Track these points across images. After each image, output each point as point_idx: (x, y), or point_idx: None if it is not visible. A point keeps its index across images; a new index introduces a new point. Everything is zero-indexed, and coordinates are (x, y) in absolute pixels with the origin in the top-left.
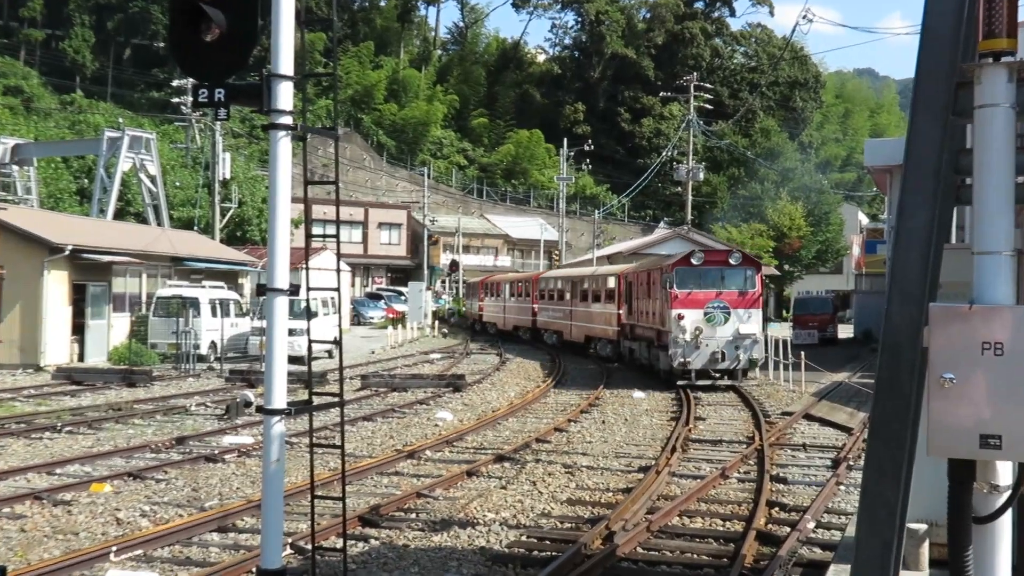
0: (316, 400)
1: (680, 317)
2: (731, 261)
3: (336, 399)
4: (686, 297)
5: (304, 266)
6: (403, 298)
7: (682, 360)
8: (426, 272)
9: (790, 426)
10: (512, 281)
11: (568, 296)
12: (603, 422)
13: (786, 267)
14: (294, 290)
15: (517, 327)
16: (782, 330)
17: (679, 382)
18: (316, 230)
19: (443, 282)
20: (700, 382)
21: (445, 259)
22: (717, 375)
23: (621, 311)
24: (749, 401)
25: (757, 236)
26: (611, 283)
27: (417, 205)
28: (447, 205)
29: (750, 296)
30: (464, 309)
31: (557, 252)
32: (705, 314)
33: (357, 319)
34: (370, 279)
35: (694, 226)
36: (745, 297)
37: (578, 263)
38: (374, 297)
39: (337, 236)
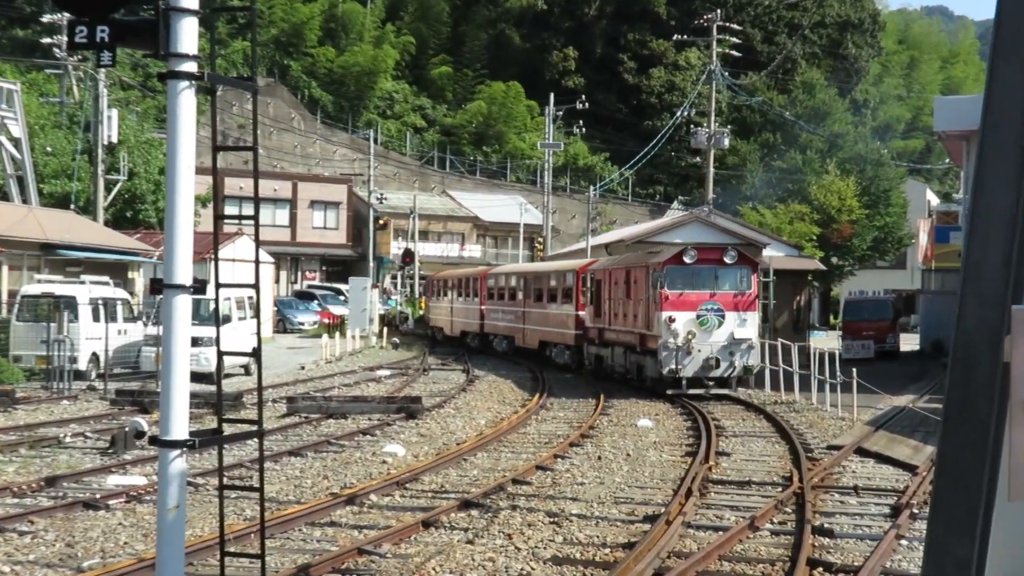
0: (228, 429)
1: (671, 320)
2: (726, 259)
3: (254, 428)
4: (677, 298)
5: (213, 256)
6: (342, 298)
7: (673, 367)
8: (372, 265)
9: (838, 463)
10: (459, 279)
11: (520, 295)
12: (599, 457)
13: (834, 260)
14: (199, 287)
15: (465, 332)
16: (828, 341)
17: (669, 391)
18: (229, 210)
19: (394, 278)
20: (692, 391)
21: (397, 248)
22: (710, 383)
23: (582, 312)
24: (786, 431)
25: (797, 220)
26: (569, 280)
27: (361, 178)
28: (399, 179)
29: (746, 298)
30: (421, 313)
31: (540, 239)
32: (698, 317)
33: (282, 325)
34: (300, 273)
35: (717, 207)
36: (741, 299)
37: (567, 253)
38: (305, 297)
39: (256, 218)
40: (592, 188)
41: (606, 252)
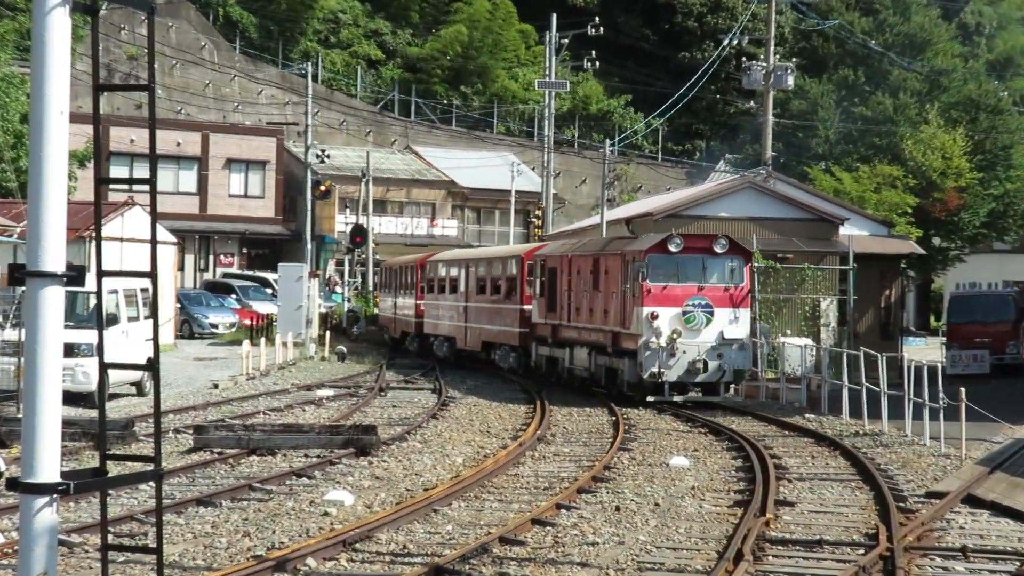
0: (114, 469)
1: (653, 316)
2: (716, 249)
3: (150, 467)
4: (661, 292)
5: (94, 235)
6: (269, 292)
7: (655, 370)
8: (310, 247)
9: (940, 516)
10: (398, 268)
11: (462, 288)
12: (617, 508)
13: (936, 241)
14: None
15: (405, 333)
16: (928, 350)
17: (650, 398)
18: (116, 172)
19: (340, 264)
20: (677, 398)
21: (344, 224)
22: (696, 389)
23: (529, 306)
24: (870, 473)
25: (886, 187)
26: (512, 268)
27: (295, 129)
28: (348, 130)
29: (737, 292)
30: (377, 311)
31: (538, 213)
32: (684, 314)
33: (188, 327)
34: (212, 258)
35: (778, 169)
36: (731, 293)
37: (574, 232)
38: (219, 290)
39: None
40: (609, 143)
41: (627, 229)
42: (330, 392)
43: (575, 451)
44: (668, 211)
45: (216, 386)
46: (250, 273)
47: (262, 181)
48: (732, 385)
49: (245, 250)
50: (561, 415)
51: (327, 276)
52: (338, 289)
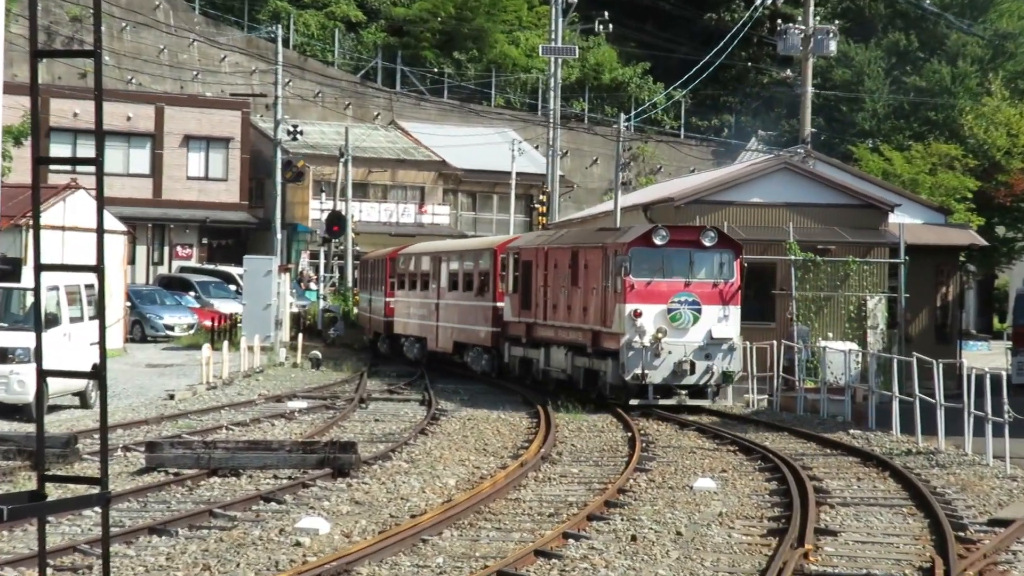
0: (55, 493)
1: (636, 314)
2: (704, 241)
3: (96, 490)
4: (645, 288)
5: (31, 222)
6: (233, 288)
7: (638, 372)
8: (279, 237)
9: (1006, 547)
10: (372, 262)
11: (433, 284)
12: (633, 538)
13: (1000, 231)
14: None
15: (377, 333)
16: (991, 356)
17: (632, 401)
18: (57, 150)
19: (315, 257)
20: (662, 401)
21: (320, 211)
22: (682, 392)
23: (502, 303)
24: (925, 497)
25: (943, 168)
26: (484, 262)
27: (263, 102)
28: (324, 103)
29: (727, 288)
30: (357, 311)
31: (543, 197)
32: (669, 311)
33: (140, 329)
34: (168, 250)
35: (818, 148)
36: (721, 290)
37: (583, 220)
38: (175, 286)
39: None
40: (624, 118)
41: (645, 217)
42: (303, 404)
43: (585, 472)
44: (692, 196)
45: (171, 397)
46: (211, 267)
47: (225, 161)
48: (720, 389)
49: (205, 240)
50: (569, 430)
51: (300, 271)
52: (312, 286)
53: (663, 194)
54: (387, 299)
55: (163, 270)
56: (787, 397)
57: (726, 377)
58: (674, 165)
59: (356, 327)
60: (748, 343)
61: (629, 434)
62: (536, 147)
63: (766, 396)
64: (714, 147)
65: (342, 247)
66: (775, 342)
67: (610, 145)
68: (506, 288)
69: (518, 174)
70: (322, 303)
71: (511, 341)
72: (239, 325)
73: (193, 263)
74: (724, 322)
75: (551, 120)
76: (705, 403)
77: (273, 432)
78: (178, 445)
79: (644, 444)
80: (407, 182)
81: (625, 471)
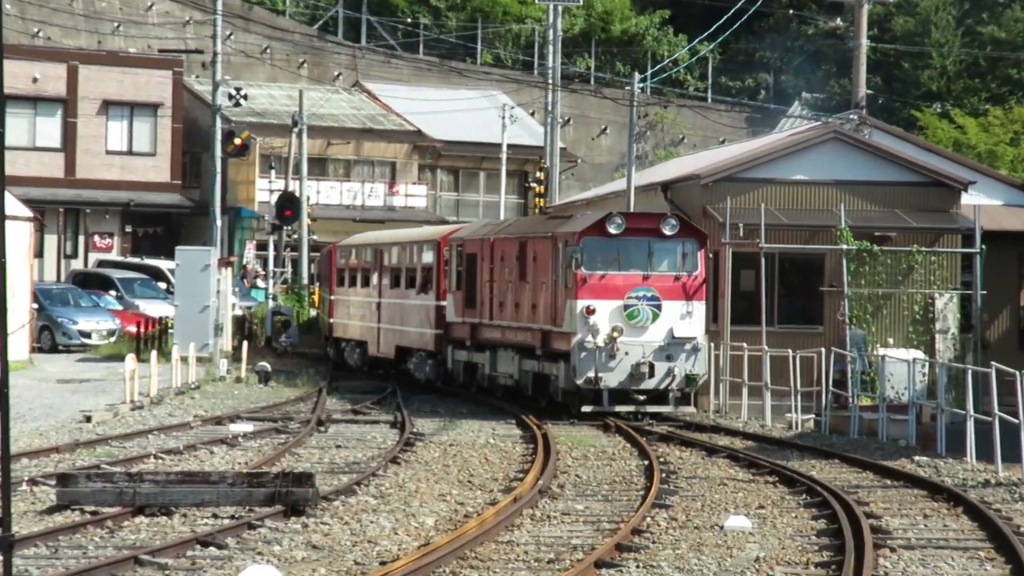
0: None
1: (589, 311)
2: (664, 230)
3: None
4: (599, 282)
5: None
6: (164, 287)
7: (591, 375)
8: (218, 224)
9: None
10: (322, 258)
11: (373, 280)
12: None
13: None
14: None
15: (327, 338)
16: None
17: (585, 408)
18: None
19: (263, 248)
20: (618, 408)
21: (268, 191)
22: (641, 398)
23: (446, 302)
24: (1005, 537)
25: None
26: (427, 256)
27: (199, 59)
28: (273, 61)
29: (691, 282)
30: (316, 313)
31: (540, 174)
32: (626, 308)
33: (50, 336)
34: (84, 239)
35: (874, 113)
36: (683, 283)
37: (589, 201)
38: (93, 283)
39: None
40: (639, 77)
41: (664, 197)
42: (248, 427)
43: (592, 508)
44: (721, 173)
45: (88, 419)
46: (136, 260)
47: (152, 132)
48: (685, 395)
49: (129, 228)
50: (572, 458)
51: (244, 265)
52: (260, 283)
53: (686, 170)
54: (331, 297)
55: (78, 264)
56: (838, 416)
57: (690, 381)
58: (700, 135)
59: (313, 332)
60: (790, 351)
61: (646, 462)
62: (532, 114)
63: (812, 416)
64: (748, 113)
65: (296, 236)
66: (823, 350)
67: (622, 111)
68: (449, 285)
69: (510, 146)
70: (272, 304)
71: (455, 344)
72: (170, 331)
73: (114, 256)
74: (687, 319)
75: (550, 81)
76: (665, 409)
77: (212, 461)
78: (96, 478)
79: (664, 474)
80: (375, 156)
81: (641, 507)
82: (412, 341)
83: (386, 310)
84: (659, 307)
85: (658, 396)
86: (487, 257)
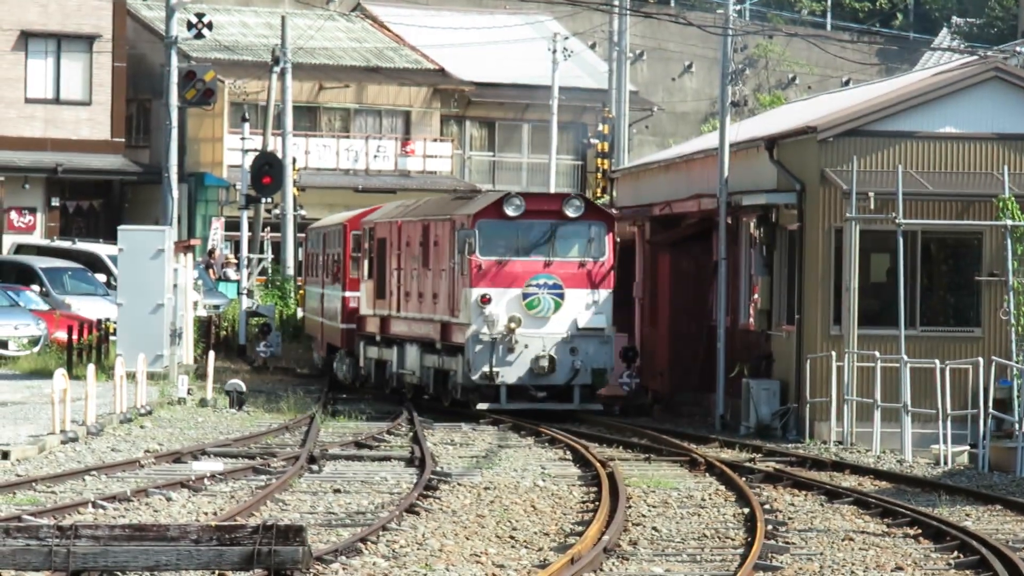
0: None
1: (484, 300)
2: (567, 212)
3: None
4: (495, 269)
5: None
6: (103, 280)
7: (486, 370)
8: (174, 195)
9: None
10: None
11: (326, 269)
12: None
13: None
14: None
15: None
16: None
17: (480, 406)
18: None
19: (235, 228)
20: (513, 406)
21: (239, 152)
22: (541, 395)
23: (353, 293)
24: None
25: None
26: (336, 242)
27: None
28: None
29: (597, 269)
30: (302, 313)
31: (604, 125)
32: (525, 296)
33: None
34: None
35: None
36: (589, 271)
37: (667, 164)
38: (9, 276)
39: None
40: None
41: (770, 158)
42: (217, 466)
43: (676, 572)
44: (845, 124)
45: (5, 455)
46: (66, 245)
47: (86, 73)
48: (594, 391)
49: (56, 202)
50: (648, 505)
51: (210, 249)
52: (231, 274)
53: (799, 121)
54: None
55: None
56: (1001, 448)
57: (597, 376)
58: (817, 74)
59: (301, 339)
60: (938, 362)
61: (745, 509)
62: (592, 46)
63: (967, 447)
64: (880, 45)
65: (278, 211)
66: (981, 360)
67: (713, 42)
68: (360, 274)
69: (563, 90)
70: (246, 302)
71: (366, 340)
72: (112, 339)
73: (37, 239)
74: (593, 309)
75: (616, 1)
76: (569, 407)
77: (170, 511)
78: (17, 533)
79: (770, 526)
80: (383, 104)
81: (740, 570)
82: (333, 337)
83: (326, 302)
84: (562, 296)
85: (561, 393)
86: (395, 243)
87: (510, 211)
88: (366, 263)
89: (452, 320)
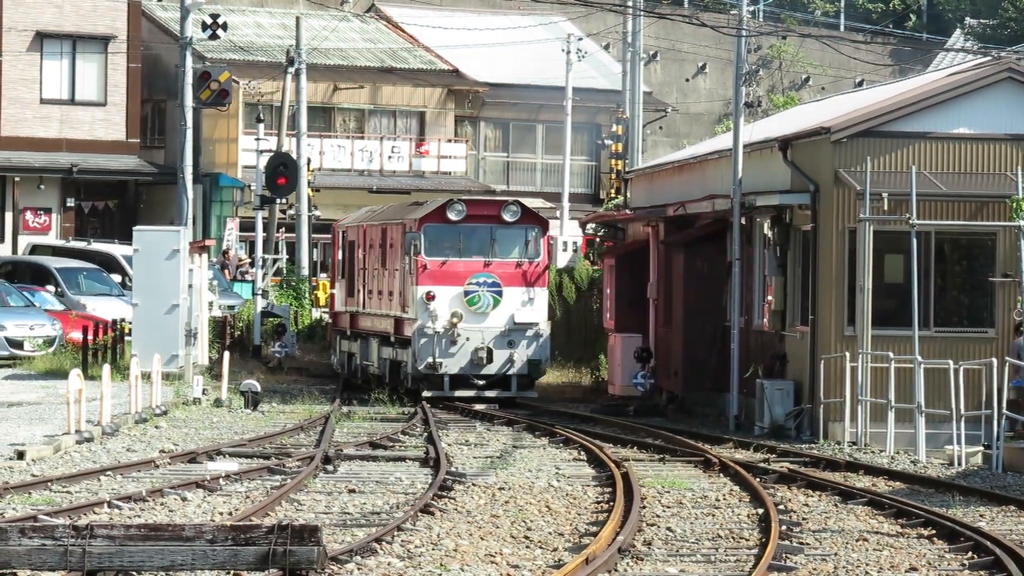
0: None
1: (429, 297)
2: (505, 217)
3: None
4: (439, 269)
5: None
6: (118, 280)
7: (431, 361)
8: (189, 196)
9: None
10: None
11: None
12: None
13: None
14: None
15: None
16: None
17: (426, 393)
18: None
19: (249, 229)
20: (457, 393)
21: (254, 153)
22: (481, 384)
23: (333, 291)
24: None
25: None
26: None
27: None
28: None
29: (532, 269)
30: (322, 312)
31: (618, 125)
32: (466, 294)
33: None
34: (13, 216)
35: None
36: (525, 270)
37: (680, 165)
38: (24, 276)
39: None
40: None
41: (784, 159)
42: (232, 466)
43: (689, 571)
44: (858, 124)
45: (21, 455)
46: (82, 245)
47: (101, 74)
48: (532, 381)
49: (72, 202)
50: (663, 505)
51: (225, 250)
52: (246, 273)
53: (813, 121)
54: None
55: (4, 251)
56: (1014, 449)
57: (533, 367)
58: (831, 75)
59: (315, 340)
60: (951, 363)
61: (760, 510)
62: (606, 47)
63: (980, 447)
64: (894, 45)
65: (292, 212)
66: (994, 360)
67: (726, 43)
68: (335, 273)
69: (577, 91)
70: (261, 303)
71: (341, 334)
72: (127, 339)
73: (52, 239)
74: (529, 306)
75: (630, 2)
76: (507, 395)
77: (185, 511)
78: (33, 533)
79: (785, 526)
80: (397, 105)
81: (755, 571)
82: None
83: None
84: (500, 293)
85: (498, 382)
86: (362, 244)
87: (453, 216)
88: (340, 264)
89: (403, 315)
